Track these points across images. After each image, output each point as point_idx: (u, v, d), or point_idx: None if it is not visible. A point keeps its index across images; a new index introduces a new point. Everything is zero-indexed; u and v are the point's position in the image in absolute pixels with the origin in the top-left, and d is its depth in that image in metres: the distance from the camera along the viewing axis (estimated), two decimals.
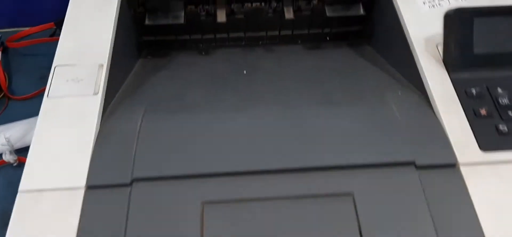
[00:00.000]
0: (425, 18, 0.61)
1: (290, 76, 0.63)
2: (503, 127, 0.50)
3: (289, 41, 0.74)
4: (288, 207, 0.46)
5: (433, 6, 0.62)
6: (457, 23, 0.54)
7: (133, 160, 0.48)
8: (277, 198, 0.46)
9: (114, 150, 0.49)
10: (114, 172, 0.47)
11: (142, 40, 0.72)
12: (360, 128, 0.52)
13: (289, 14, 0.68)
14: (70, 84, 0.54)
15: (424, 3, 0.63)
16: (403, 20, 0.61)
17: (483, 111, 0.51)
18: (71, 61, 0.57)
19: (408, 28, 0.60)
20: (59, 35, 0.60)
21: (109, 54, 0.57)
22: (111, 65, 0.57)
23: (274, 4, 0.71)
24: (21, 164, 0.73)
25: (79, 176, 0.47)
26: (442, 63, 0.56)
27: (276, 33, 0.73)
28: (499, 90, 0.53)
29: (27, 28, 0.89)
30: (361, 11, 0.69)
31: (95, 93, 0.53)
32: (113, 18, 0.61)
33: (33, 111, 0.64)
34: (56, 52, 0.58)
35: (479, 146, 0.49)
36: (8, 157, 0.72)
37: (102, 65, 0.56)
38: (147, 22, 0.67)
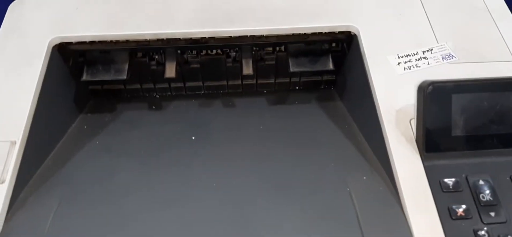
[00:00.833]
0: (398, 83, 0.52)
1: (243, 143, 0.55)
2: (482, 232, 0.42)
3: (253, 91, 0.65)
4: None
5: (409, 68, 0.53)
6: (432, 99, 0.45)
7: None
8: None
9: None
10: None
11: (88, 89, 0.64)
12: (310, 227, 0.43)
13: (248, 69, 0.59)
14: None
15: (398, 64, 0.54)
16: (373, 84, 0.52)
17: (459, 211, 0.43)
18: None
19: (377, 95, 0.51)
20: None
21: (25, 127, 0.49)
22: (27, 141, 0.49)
23: (232, 54, 0.62)
24: None
25: None
26: (415, 144, 0.47)
27: (239, 82, 0.65)
28: (481, 181, 0.44)
29: None
30: (330, 66, 0.60)
31: (2, 182, 0.45)
32: (36, 79, 0.53)
33: None
34: None
35: None
36: None
37: (14, 143, 0.48)
38: (84, 77, 0.59)
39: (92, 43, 0.58)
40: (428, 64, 0.54)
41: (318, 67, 0.60)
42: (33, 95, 0.51)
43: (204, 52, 0.62)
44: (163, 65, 0.61)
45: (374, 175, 0.48)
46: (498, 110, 0.45)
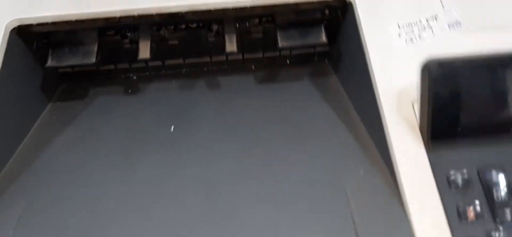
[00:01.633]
0: (399, 58, 0.46)
1: (228, 131, 0.49)
2: (496, 235, 0.36)
3: (239, 68, 0.59)
4: None
5: (411, 39, 0.47)
6: (438, 80, 0.39)
7: None
8: None
9: None
10: None
11: (57, 73, 0.58)
12: (301, 230, 0.38)
13: (231, 46, 0.53)
14: None
15: (399, 35, 0.47)
16: (370, 61, 0.46)
17: (470, 213, 0.37)
18: None
19: (375, 75, 0.45)
20: None
21: None
22: None
23: (214, 27, 0.56)
24: None
25: None
26: (419, 131, 0.41)
27: (223, 58, 0.59)
28: (494, 175, 0.38)
29: None
30: (324, 38, 0.53)
31: None
32: None
33: None
34: None
35: None
36: None
37: None
38: (49, 63, 0.53)
39: (55, 23, 0.52)
40: (433, 34, 0.47)
41: (310, 41, 0.54)
42: None
43: (183, 26, 0.56)
44: (137, 43, 0.54)
45: (372, 168, 0.43)
46: None
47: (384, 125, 0.43)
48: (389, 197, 0.40)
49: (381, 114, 0.43)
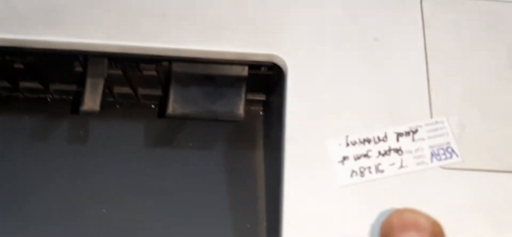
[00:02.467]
0: (335, 207, 0.27)
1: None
2: None
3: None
4: None
5: (362, 173, 0.27)
6: None
7: None
8: None
9: None
10: None
11: None
12: None
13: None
14: None
15: (343, 159, 0.27)
16: (283, 208, 0.27)
17: None
18: None
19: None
20: None
21: None
22: None
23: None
24: None
25: None
26: None
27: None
28: None
29: None
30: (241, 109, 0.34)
31: None
32: None
33: None
34: None
35: None
36: None
37: None
38: None
39: None
40: (402, 166, 0.27)
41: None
42: None
43: None
44: None
45: None
46: None
47: None
48: None
49: None
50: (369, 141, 0.28)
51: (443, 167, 0.28)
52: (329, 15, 0.32)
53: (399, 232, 0.23)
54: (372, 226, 0.26)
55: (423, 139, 0.28)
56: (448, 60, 0.31)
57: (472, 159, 0.28)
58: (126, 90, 0.38)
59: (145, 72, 0.37)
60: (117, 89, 0.38)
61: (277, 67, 0.31)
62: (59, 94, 0.39)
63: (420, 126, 0.29)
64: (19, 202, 0.35)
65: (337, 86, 0.30)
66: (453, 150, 0.28)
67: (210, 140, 0.37)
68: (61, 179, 0.36)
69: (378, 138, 0.28)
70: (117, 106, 0.39)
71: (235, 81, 0.34)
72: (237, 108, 0.34)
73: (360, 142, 0.28)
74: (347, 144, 0.28)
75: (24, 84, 0.38)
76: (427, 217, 0.24)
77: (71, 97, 0.39)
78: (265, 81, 0.35)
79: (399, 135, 0.28)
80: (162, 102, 0.36)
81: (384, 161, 0.28)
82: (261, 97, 0.37)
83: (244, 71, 0.34)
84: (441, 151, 0.28)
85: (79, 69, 0.36)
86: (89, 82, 0.35)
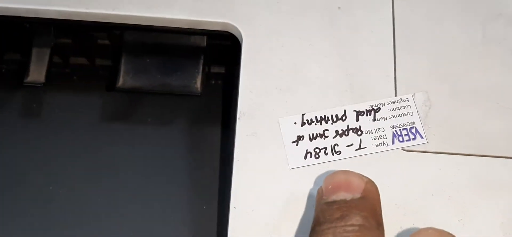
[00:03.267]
0: (284, 191, 0.25)
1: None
2: None
3: None
4: None
5: (317, 155, 0.25)
6: None
7: None
8: None
9: None
10: None
11: None
12: None
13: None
14: None
15: (297, 140, 0.25)
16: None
17: None
18: None
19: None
20: None
21: None
22: None
23: None
24: None
25: None
26: None
27: None
28: None
29: None
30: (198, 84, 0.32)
31: None
32: None
33: None
34: None
35: None
36: None
37: None
38: None
39: None
40: (360, 148, 0.25)
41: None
42: None
43: None
44: None
45: None
46: None
47: None
48: None
49: None
50: (326, 120, 0.26)
51: (405, 149, 0.26)
52: None
53: (328, 194, 0.22)
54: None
55: (385, 118, 0.26)
56: (417, 33, 0.28)
57: (438, 140, 0.26)
58: (83, 60, 0.36)
59: (100, 41, 0.35)
60: (73, 60, 0.36)
61: (232, 36, 0.29)
62: (16, 65, 0.37)
63: (383, 104, 0.26)
64: None
65: (295, 59, 0.28)
66: (417, 131, 0.26)
67: (170, 115, 0.35)
68: (7, 154, 0.34)
69: (337, 116, 0.26)
70: (75, 77, 0.37)
71: (193, 52, 0.32)
72: (194, 82, 0.32)
73: (317, 120, 0.26)
74: (303, 123, 0.26)
75: None
76: (361, 177, 0.22)
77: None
78: (225, 51, 0.32)
79: (359, 113, 0.26)
80: (113, 74, 0.34)
81: (342, 141, 0.26)
82: (222, 69, 0.34)
83: (203, 42, 0.32)
84: (404, 132, 0.26)
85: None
86: (34, 51, 0.32)
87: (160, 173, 0.33)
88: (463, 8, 0.29)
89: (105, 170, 0.33)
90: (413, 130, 0.26)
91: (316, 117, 0.26)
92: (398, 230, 0.24)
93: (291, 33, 0.28)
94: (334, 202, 0.21)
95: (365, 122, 0.26)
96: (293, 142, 0.26)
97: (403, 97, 0.27)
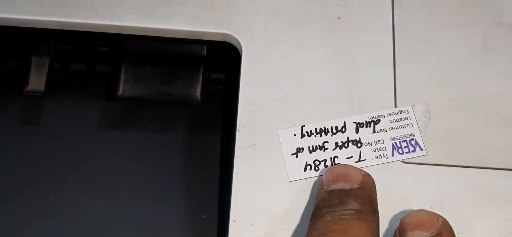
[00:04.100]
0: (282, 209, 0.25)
1: None
2: None
3: None
4: None
5: (316, 167, 0.25)
6: None
7: None
8: None
9: None
10: None
11: None
12: None
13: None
14: None
15: (297, 152, 0.25)
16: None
17: None
18: None
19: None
20: None
21: None
22: None
23: None
24: None
25: None
26: None
27: None
28: None
29: None
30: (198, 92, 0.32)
31: None
32: None
33: None
34: None
35: None
36: None
37: None
38: None
39: None
40: (359, 160, 0.25)
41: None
42: None
43: None
44: None
45: None
46: None
47: None
48: None
49: None
50: (326, 131, 0.26)
51: (404, 161, 0.26)
52: None
53: (328, 184, 0.24)
54: None
55: (384, 130, 0.26)
56: (417, 43, 0.28)
57: (437, 152, 0.26)
58: (83, 67, 0.36)
59: (100, 49, 0.35)
60: (73, 66, 0.36)
61: (232, 47, 0.29)
62: (15, 72, 0.37)
63: (383, 116, 0.26)
64: None
65: (295, 70, 0.28)
66: (417, 143, 0.26)
67: (170, 124, 0.35)
68: (8, 162, 0.34)
69: (336, 128, 0.26)
70: (74, 84, 0.37)
71: (193, 60, 0.32)
72: (194, 91, 0.32)
73: (317, 132, 0.26)
74: (303, 135, 0.26)
75: None
76: (359, 170, 0.24)
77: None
78: (224, 60, 0.32)
79: (359, 125, 0.26)
80: (113, 82, 0.34)
81: (341, 154, 0.26)
82: (222, 76, 0.34)
83: (203, 51, 0.32)
84: (404, 144, 0.26)
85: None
86: (34, 60, 0.32)
87: (159, 181, 0.33)
88: (463, 18, 0.29)
89: (105, 179, 0.33)
90: (413, 142, 0.26)
91: (315, 128, 0.26)
92: None
93: (291, 44, 0.28)
94: (334, 191, 0.23)
95: (365, 134, 0.26)
96: (292, 154, 0.26)
97: (403, 109, 0.27)
